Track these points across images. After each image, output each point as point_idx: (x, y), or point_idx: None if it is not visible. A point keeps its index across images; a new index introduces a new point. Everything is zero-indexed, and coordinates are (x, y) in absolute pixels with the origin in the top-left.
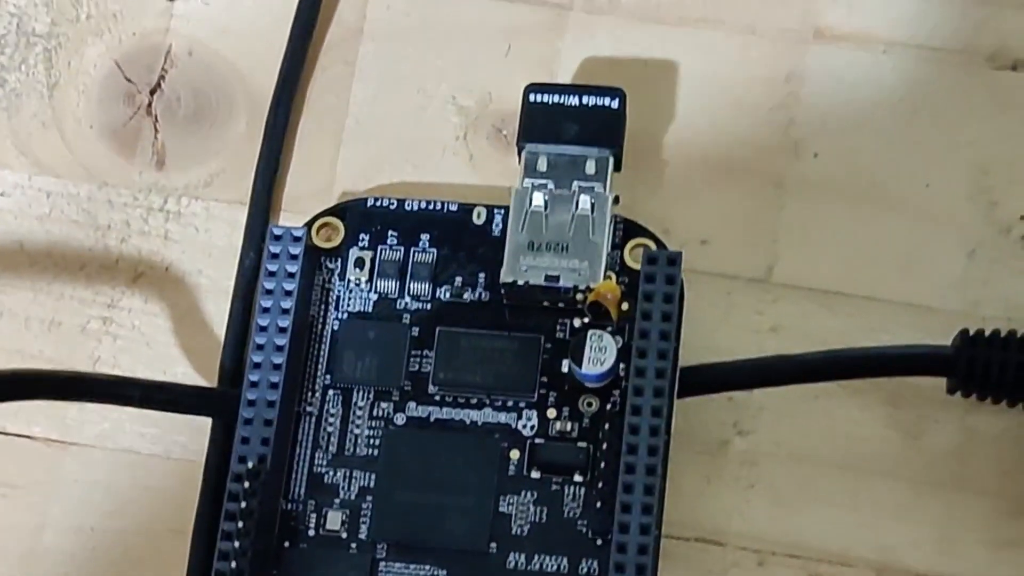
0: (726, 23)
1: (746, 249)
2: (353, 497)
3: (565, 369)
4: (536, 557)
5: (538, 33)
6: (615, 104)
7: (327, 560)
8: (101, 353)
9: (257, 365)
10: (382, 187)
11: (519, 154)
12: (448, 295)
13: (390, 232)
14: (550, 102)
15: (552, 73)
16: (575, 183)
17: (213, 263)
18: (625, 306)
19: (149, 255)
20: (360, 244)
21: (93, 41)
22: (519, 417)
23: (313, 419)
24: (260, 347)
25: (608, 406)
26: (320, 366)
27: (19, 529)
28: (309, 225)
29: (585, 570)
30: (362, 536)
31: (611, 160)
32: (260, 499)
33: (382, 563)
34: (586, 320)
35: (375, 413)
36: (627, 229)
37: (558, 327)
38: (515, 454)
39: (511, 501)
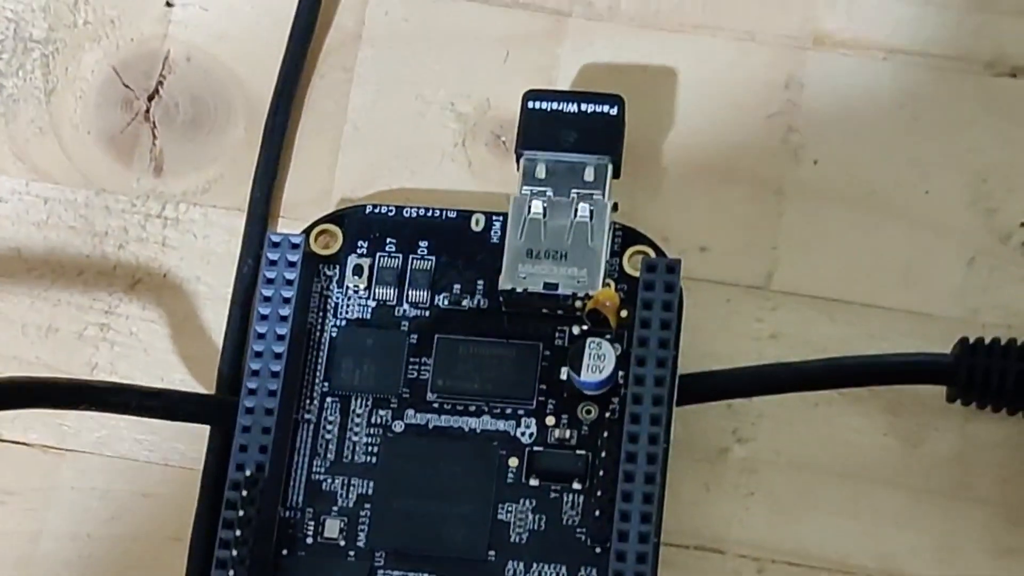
0: (725, 30)
1: (745, 256)
2: (351, 505)
3: (564, 377)
4: (535, 565)
5: (537, 40)
6: (614, 111)
7: (325, 568)
8: (99, 360)
9: (255, 373)
10: (380, 193)
11: (517, 161)
12: (447, 302)
13: (388, 239)
14: (548, 109)
15: (551, 80)
16: (574, 190)
17: (211, 270)
18: (624, 313)
19: (147, 261)
20: (358, 251)
21: (91, 47)
22: (518, 425)
23: (311, 427)
24: (258, 354)
25: (607, 414)
26: (318, 373)
27: (16, 536)
28: (307, 232)
29: None
30: (360, 544)
31: (610, 167)
32: (258, 507)
33: (380, 571)
34: (585, 327)
35: (373, 420)
36: (626, 236)
37: (557, 334)
38: (514, 462)
39: (510, 509)
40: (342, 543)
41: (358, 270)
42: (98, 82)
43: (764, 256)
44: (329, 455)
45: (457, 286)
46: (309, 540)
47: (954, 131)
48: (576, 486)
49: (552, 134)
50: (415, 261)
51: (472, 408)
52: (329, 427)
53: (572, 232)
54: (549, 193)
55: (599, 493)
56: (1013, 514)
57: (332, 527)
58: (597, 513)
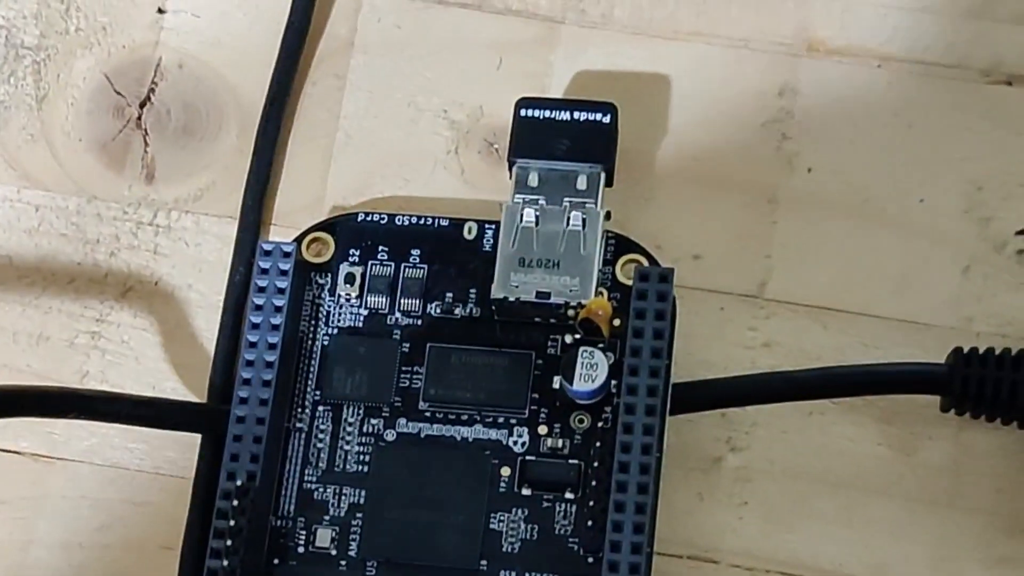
0: (719, 37)
1: (739, 265)
2: (343, 514)
3: (556, 386)
4: (527, 575)
5: (530, 47)
6: (607, 119)
7: None
8: (89, 368)
9: (246, 382)
10: (373, 201)
11: (510, 169)
12: (439, 311)
13: (381, 247)
14: (541, 117)
15: (544, 87)
16: (566, 199)
17: (203, 278)
18: (617, 322)
19: (138, 269)
20: (350, 259)
21: (82, 54)
22: (510, 434)
23: (303, 435)
24: (249, 363)
25: (600, 423)
26: (310, 382)
27: (6, 545)
28: (299, 240)
29: None
30: (352, 553)
31: (602, 175)
32: (249, 516)
33: None
34: (577, 336)
35: (365, 429)
36: (619, 245)
37: (549, 343)
38: (506, 471)
39: (502, 518)
40: (334, 552)
41: (350, 278)
42: (90, 89)
43: (758, 264)
44: (321, 464)
45: (449, 294)
46: (301, 549)
47: (949, 139)
48: (568, 495)
49: (545, 142)
50: (407, 269)
51: (464, 417)
52: (321, 436)
53: (565, 241)
54: (542, 201)
55: (592, 503)
56: (1007, 524)
57: (324, 536)
58: (590, 523)
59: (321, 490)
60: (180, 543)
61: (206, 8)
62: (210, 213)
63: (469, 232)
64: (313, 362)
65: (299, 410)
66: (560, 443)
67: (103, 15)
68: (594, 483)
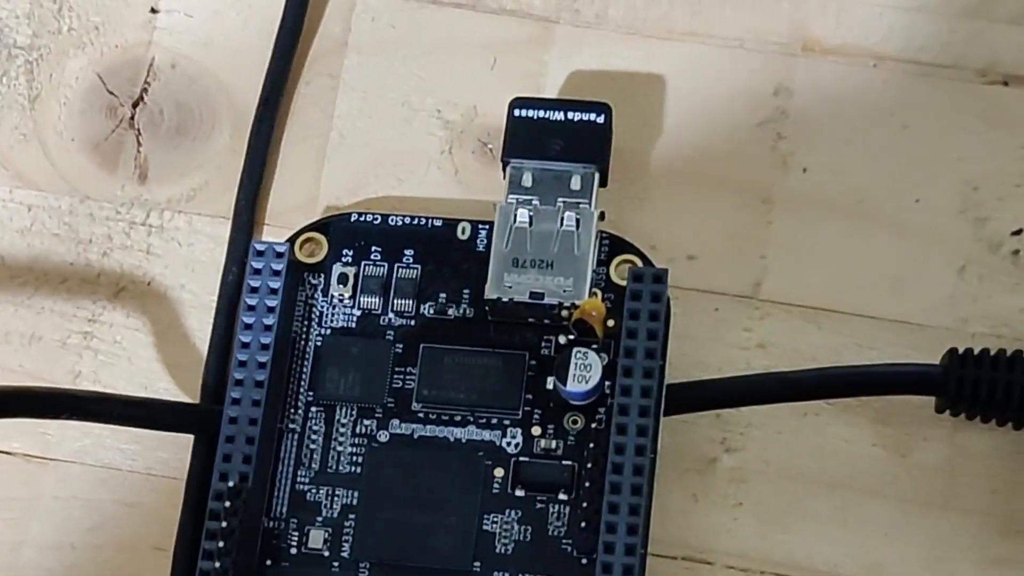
0: (714, 37)
1: (734, 265)
2: (336, 515)
3: (550, 386)
4: None
5: (524, 47)
6: (601, 119)
7: None
8: (82, 368)
9: (239, 382)
10: (366, 201)
11: (504, 169)
12: (432, 311)
13: (374, 247)
14: (535, 117)
15: (538, 87)
16: (560, 199)
17: (196, 278)
18: (611, 323)
19: (131, 269)
20: (344, 260)
21: (75, 53)
22: (503, 435)
23: (296, 436)
24: (242, 364)
25: (593, 424)
26: (303, 383)
27: None
28: (292, 240)
29: None
30: (345, 555)
31: (596, 176)
32: (242, 517)
33: None
34: (571, 337)
35: (358, 430)
36: (613, 245)
37: (543, 344)
38: (499, 472)
39: (495, 519)
40: (326, 554)
41: (343, 279)
42: (82, 89)
43: (753, 265)
44: (314, 465)
45: (443, 295)
46: (293, 551)
47: (945, 139)
48: (562, 497)
49: (539, 142)
50: (400, 270)
51: (457, 418)
52: (314, 437)
53: (558, 241)
54: (535, 202)
55: (585, 504)
56: (1002, 524)
57: (316, 538)
58: (583, 524)
59: (314, 491)
60: (172, 544)
61: (199, 8)
62: (203, 213)
63: (463, 232)
64: (306, 363)
65: (292, 411)
66: (554, 444)
67: (96, 15)
68: (588, 484)
